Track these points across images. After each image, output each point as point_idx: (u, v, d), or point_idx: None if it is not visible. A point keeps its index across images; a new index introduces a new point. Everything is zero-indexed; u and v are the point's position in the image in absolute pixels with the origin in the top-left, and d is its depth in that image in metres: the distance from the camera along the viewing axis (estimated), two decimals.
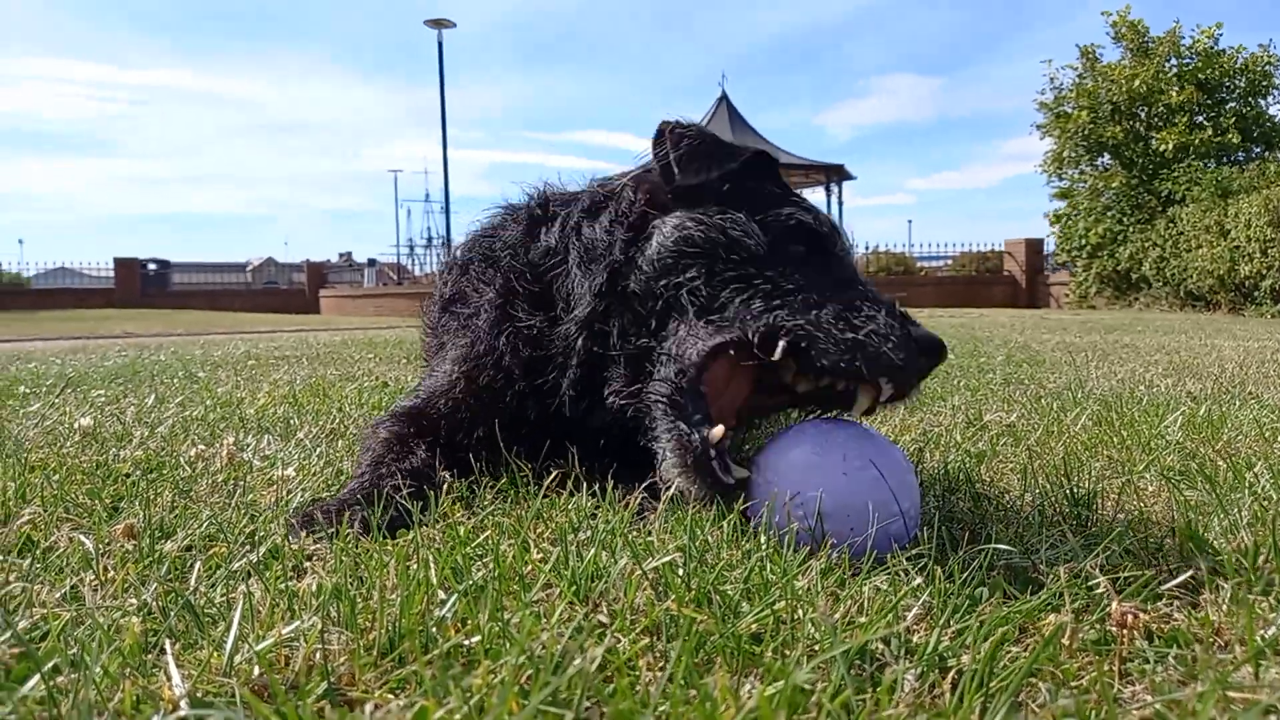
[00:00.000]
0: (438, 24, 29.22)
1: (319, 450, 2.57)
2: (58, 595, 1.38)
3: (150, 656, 1.16)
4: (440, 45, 29.42)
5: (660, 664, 1.11)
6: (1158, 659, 1.16)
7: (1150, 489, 2.05)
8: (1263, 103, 22.68)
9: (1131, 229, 21.97)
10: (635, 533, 1.53)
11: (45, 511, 1.85)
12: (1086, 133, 23.40)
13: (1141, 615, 1.22)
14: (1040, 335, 8.75)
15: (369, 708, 0.98)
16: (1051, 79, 24.57)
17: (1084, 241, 23.39)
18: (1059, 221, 24.99)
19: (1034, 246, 28.60)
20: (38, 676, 1.05)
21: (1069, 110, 23.93)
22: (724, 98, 31.98)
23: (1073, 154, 24.35)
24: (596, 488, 1.87)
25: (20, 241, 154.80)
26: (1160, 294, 20.60)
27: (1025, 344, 7.37)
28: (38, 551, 1.60)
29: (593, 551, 1.40)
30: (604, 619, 1.23)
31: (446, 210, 31.27)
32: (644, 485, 1.76)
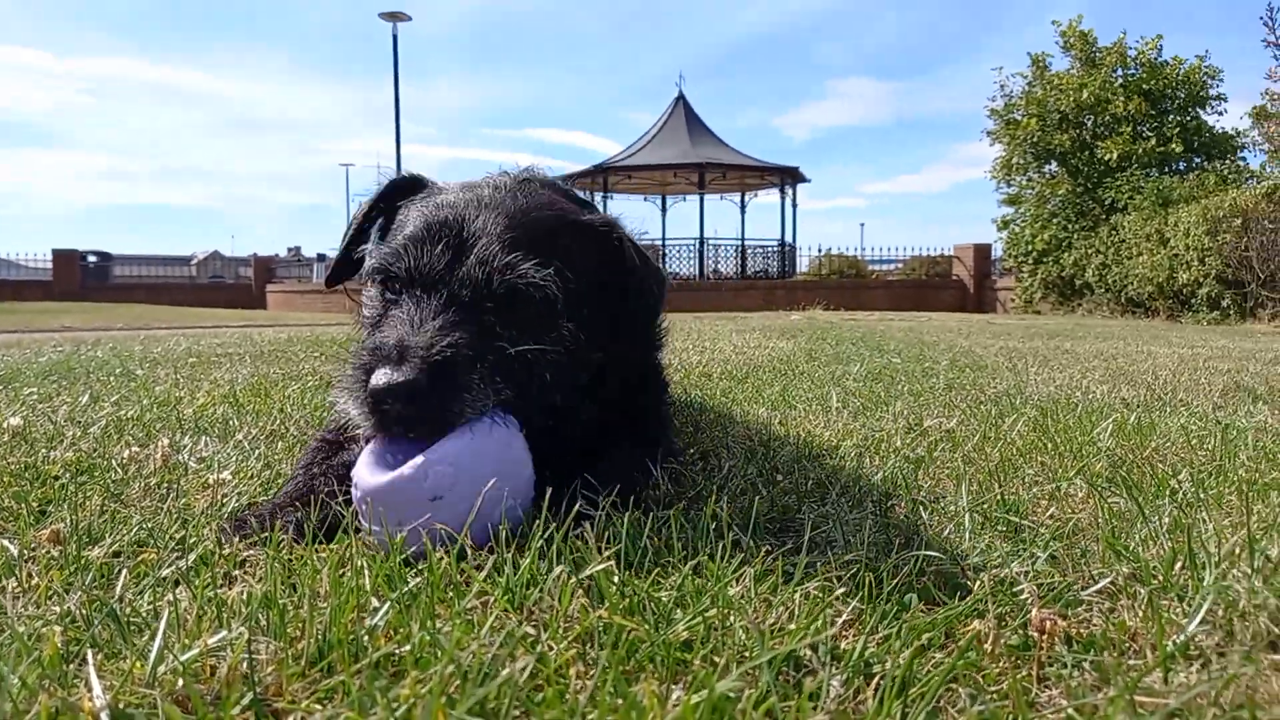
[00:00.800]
0: (393, 17, 28.91)
1: (258, 452, 2.54)
2: None
3: (71, 666, 1.14)
4: (395, 38, 29.12)
5: (590, 672, 1.12)
6: (1075, 664, 1.20)
7: (1080, 495, 2.10)
8: (1201, 113, 23.34)
9: (1076, 236, 22.47)
10: (573, 540, 1.53)
11: None
12: (1035, 140, 23.89)
13: (1060, 621, 1.26)
14: (985, 340, 8.92)
15: (291, 719, 0.97)
16: (1002, 86, 25.04)
17: (1030, 247, 23.87)
18: (1006, 227, 25.49)
19: (982, 251, 29.14)
20: None
21: (1018, 118, 24.39)
22: (681, 97, 32.09)
23: (1021, 161, 24.83)
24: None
25: None
26: (1102, 300, 21.10)
27: (970, 349, 7.51)
28: None
29: (528, 559, 1.41)
30: (534, 628, 1.23)
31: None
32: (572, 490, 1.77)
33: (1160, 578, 1.45)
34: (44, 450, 2.51)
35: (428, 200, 1.99)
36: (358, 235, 2.17)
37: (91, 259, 36.31)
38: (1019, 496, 2.03)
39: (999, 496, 2.01)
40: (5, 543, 1.61)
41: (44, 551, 1.59)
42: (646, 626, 1.21)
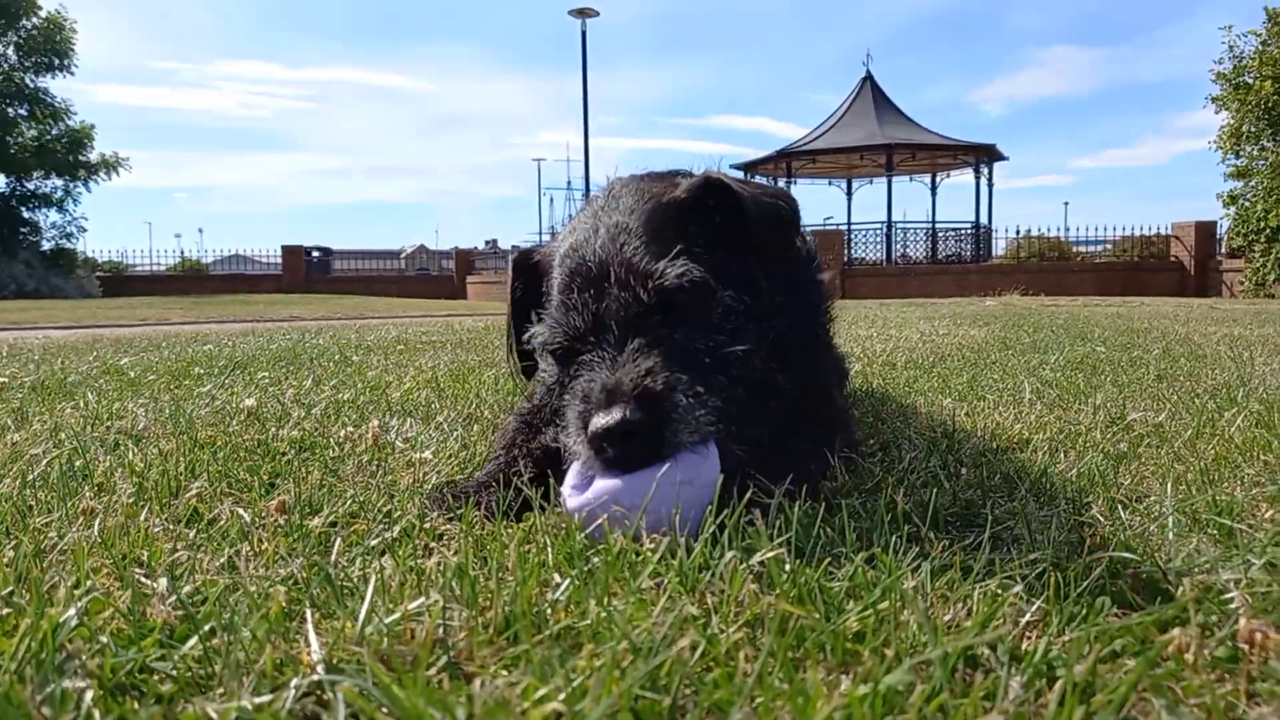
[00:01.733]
0: (581, 14, 29.71)
1: (456, 434, 2.71)
2: (217, 564, 1.53)
3: (293, 624, 1.27)
4: (584, 34, 29.93)
5: (758, 656, 1.14)
6: None
7: None
8: None
9: None
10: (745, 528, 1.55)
11: (211, 486, 2.03)
12: (1270, 104, 21.55)
13: (1274, 634, 1.16)
14: (1206, 327, 8.18)
15: (477, 683, 1.05)
16: (1231, 46, 22.74)
17: (1263, 224, 21.59)
18: (1234, 202, 23.15)
19: (1205, 230, 26.60)
20: (196, 638, 1.18)
21: (1250, 80, 22.09)
22: (868, 77, 31.19)
23: (1253, 128, 22.48)
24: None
25: (200, 230, 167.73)
26: None
27: (1187, 336, 6.91)
28: (202, 523, 1.77)
29: (700, 544, 1.44)
30: (704, 611, 1.27)
31: (587, 197, 31.82)
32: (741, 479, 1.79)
33: None
34: (273, 428, 2.79)
35: (553, 256, 2.03)
36: (519, 322, 2.17)
37: (315, 254, 39.47)
38: (1234, 498, 1.87)
39: (1210, 497, 1.86)
40: (241, 511, 1.81)
41: (271, 520, 1.78)
42: (816, 615, 1.22)
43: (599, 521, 1.57)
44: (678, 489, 1.59)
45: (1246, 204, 22.57)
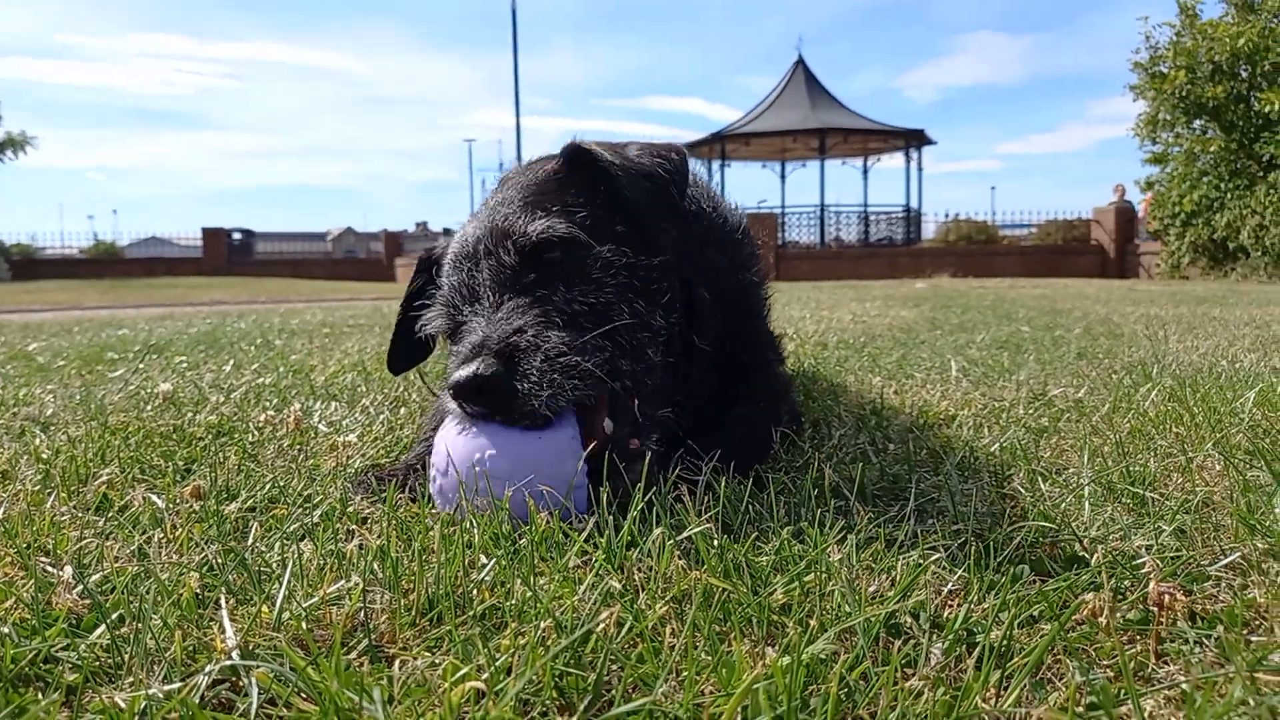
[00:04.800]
0: None
1: (382, 417, 2.66)
2: (128, 551, 1.47)
3: (206, 611, 1.23)
4: (514, 12, 29.53)
5: (683, 631, 1.13)
6: (1197, 640, 1.14)
7: (1215, 468, 1.98)
8: None
9: (1229, 195, 20.93)
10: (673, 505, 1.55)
11: (122, 473, 1.96)
12: (1184, 93, 22.28)
13: (1180, 595, 1.20)
14: (1124, 307, 8.45)
15: (397, 664, 1.03)
16: (1147, 37, 23.38)
17: (1177, 209, 22.36)
18: (1151, 188, 23.94)
19: (1124, 214, 27.48)
20: (103, 626, 1.13)
21: (1165, 70, 22.80)
22: (800, 61, 31.37)
23: (1168, 116, 23.21)
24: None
25: (115, 212, 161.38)
26: (1259, 264, 19.64)
27: (1107, 316, 7.13)
28: (113, 510, 1.70)
29: (627, 521, 1.43)
30: (631, 587, 1.26)
31: None
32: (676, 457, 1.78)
33: None
34: (190, 413, 2.70)
35: (443, 251, 2.04)
36: (407, 319, 2.18)
37: (236, 236, 38.35)
38: (1147, 468, 1.93)
39: (1125, 468, 1.91)
40: (154, 497, 1.74)
41: (186, 506, 1.72)
42: (743, 589, 1.22)
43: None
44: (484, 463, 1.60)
45: (1162, 189, 23.34)
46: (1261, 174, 20.36)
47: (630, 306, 1.83)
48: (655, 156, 2.01)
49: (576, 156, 1.97)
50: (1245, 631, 1.17)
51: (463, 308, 1.84)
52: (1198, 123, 22.94)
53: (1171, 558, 1.39)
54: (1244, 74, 21.85)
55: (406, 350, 2.29)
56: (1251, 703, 0.94)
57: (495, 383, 1.60)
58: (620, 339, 1.78)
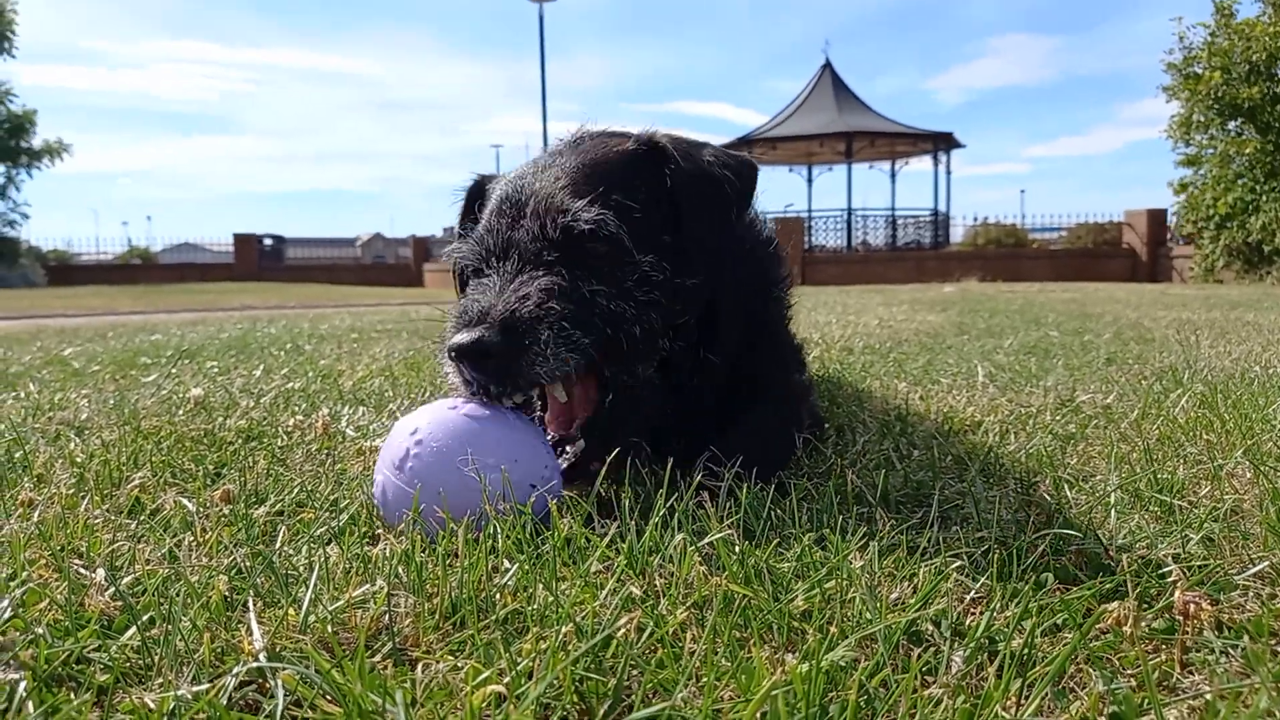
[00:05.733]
0: None
1: None
2: (159, 554, 1.49)
3: (235, 613, 1.25)
4: (541, 19, 29.69)
5: (704, 637, 1.14)
6: (1223, 650, 1.13)
7: (1246, 476, 1.96)
8: None
9: (1265, 198, 20.60)
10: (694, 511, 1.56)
11: (154, 476, 1.99)
12: (1218, 95, 21.97)
13: (1206, 605, 1.19)
14: (1156, 312, 8.34)
15: (420, 668, 1.04)
16: (1181, 37, 23.09)
17: (1211, 212, 22.04)
18: (1184, 190, 23.60)
19: (1156, 217, 27.12)
20: (134, 628, 1.16)
21: (1199, 71, 22.49)
22: (827, 64, 31.29)
23: (1202, 118, 22.89)
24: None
25: (148, 218, 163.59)
26: None
27: (1137, 321, 7.04)
28: (144, 514, 1.73)
29: (649, 527, 1.44)
30: (652, 593, 1.26)
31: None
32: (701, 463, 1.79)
33: None
34: (220, 418, 2.74)
35: (494, 186, 2.02)
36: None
37: (267, 242, 38.80)
38: (1175, 476, 1.91)
39: (1153, 475, 1.89)
40: (185, 500, 1.78)
41: (216, 509, 1.75)
42: (764, 595, 1.22)
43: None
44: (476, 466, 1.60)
45: (1196, 191, 23.01)
46: None
47: (647, 325, 1.84)
48: (726, 168, 2.00)
49: (649, 148, 1.97)
50: (1272, 641, 1.15)
51: (490, 259, 1.83)
52: (1233, 124, 22.59)
53: (1198, 566, 1.38)
54: None
55: None
56: (1276, 714, 0.93)
57: (498, 349, 1.63)
58: (624, 349, 1.80)
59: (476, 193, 2.15)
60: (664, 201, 1.90)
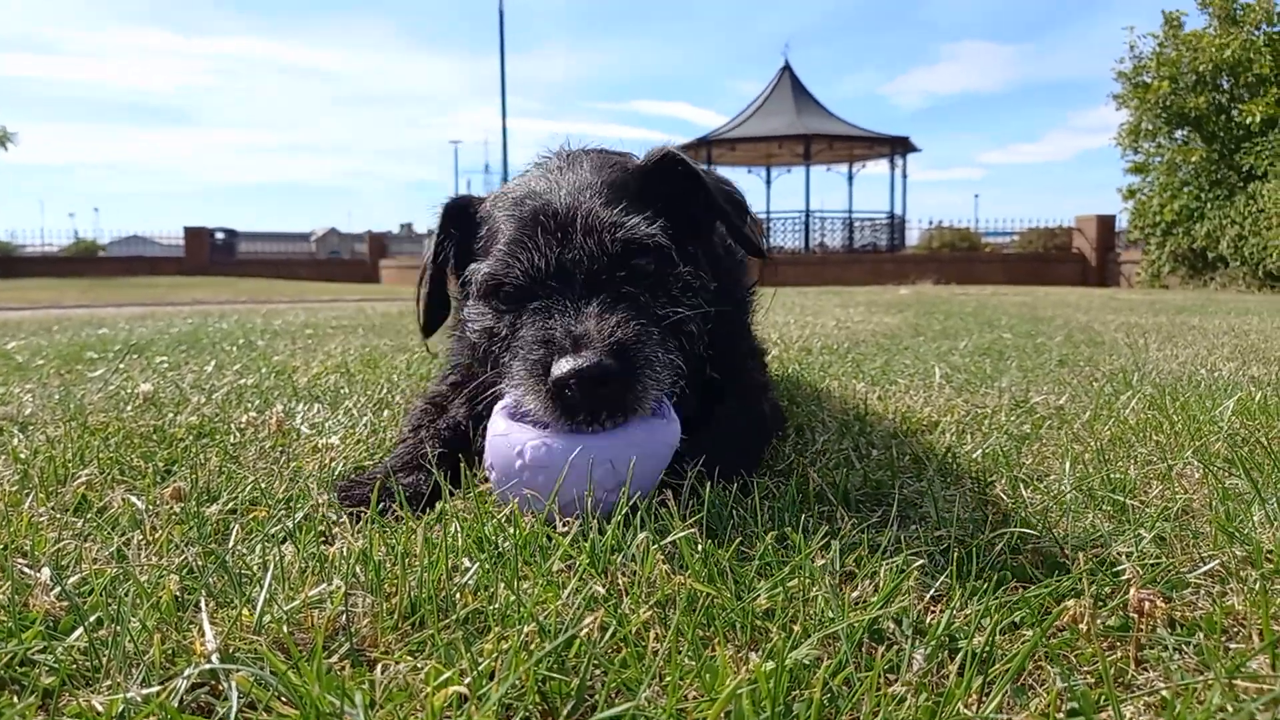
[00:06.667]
0: None
1: (365, 420, 2.64)
2: (106, 553, 1.45)
3: (186, 613, 1.22)
4: (501, 14, 29.51)
5: (668, 636, 1.13)
6: (1176, 647, 1.15)
7: (1195, 476, 2.00)
8: None
9: (1209, 205, 21.15)
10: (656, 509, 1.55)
11: (101, 473, 1.94)
12: (1166, 104, 22.51)
13: (1160, 602, 1.21)
14: (1105, 316, 8.52)
15: (379, 669, 1.02)
16: (1132, 47, 23.62)
17: (1158, 218, 22.58)
18: (1132, 196, 24.14)
19: (1105, 223, 27.74)
20: (81, 629, 1.12)
21: (1148, 80, 23.02)
22: (786, 67, 31.48)
23: (1150, 126, 23.44)
24: None
25: (96, 210, 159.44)
26: (1237, 274, 19.85)
27: (1088, 324, 7.18)
28: (92, 511, 1.68)
29: (611, 525, 1.43)
30: (615, 592, 1.25)
31: (505, 181, 31.44)
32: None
33: (1275, 561, 1.37)
34: (171, 414, 2.68)
35: (503, 201, 1.94)
36: (439, 275, 2.10)
37: (219, 236, 38.06)
38: (1127, 475, 1.95)
39: (1105, 475, 1.93)
40: (133, 498, 1.73)
41: (166, 507, 1.70)
42: (727, 594, 1.22)
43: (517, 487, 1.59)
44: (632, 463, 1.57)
45: (1144, 198, 23.54)
46: (1241, 184, 20.58)
47: (693, 328, 1.89)
48: (726, 185, 2.10)
49: (668, 163, 1.99)
50: (1224, 638, 1.18)
51: (542, 278, 1.75)
52: (1180, 133, 23.18)
53: (1151, 565, 1.40)
54: (1226, 85, 22.10)
55: (439, 306, 2.15)
56: (1230, 709, 0.95)
57: (616, 378, 1.58)
58: (689, 359, 1.87)
59: (456, 214, 2.07)
60: (684, 214, 1.95)
